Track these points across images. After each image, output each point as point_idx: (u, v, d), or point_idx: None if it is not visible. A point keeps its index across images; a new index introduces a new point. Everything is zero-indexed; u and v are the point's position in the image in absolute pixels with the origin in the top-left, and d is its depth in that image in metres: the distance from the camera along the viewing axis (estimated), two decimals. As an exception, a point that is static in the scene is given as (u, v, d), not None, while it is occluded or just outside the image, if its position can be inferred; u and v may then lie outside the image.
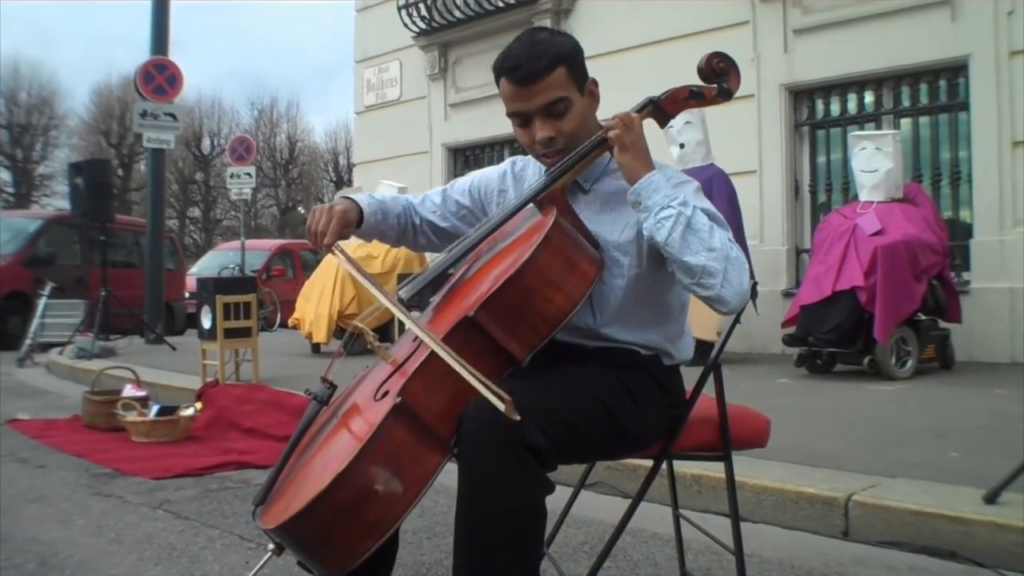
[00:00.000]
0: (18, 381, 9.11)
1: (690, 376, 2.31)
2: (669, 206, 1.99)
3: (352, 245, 9.47)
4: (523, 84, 2.10)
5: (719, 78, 2.21)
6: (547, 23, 11.21)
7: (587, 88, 2.18)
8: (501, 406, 1.71)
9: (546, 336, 1.97)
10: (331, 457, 1.85)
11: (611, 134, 2.08)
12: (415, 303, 2.16)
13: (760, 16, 9.34)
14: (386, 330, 7.14)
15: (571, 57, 2.13)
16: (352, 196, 2.33)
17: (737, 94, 2.28)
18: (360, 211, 2.29)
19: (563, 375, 2.06)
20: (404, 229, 2.45)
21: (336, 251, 2.15)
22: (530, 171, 2.37)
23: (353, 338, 2.38)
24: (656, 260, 2.11)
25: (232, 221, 39.39)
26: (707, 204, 2.11)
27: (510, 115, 2.18)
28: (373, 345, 2.03)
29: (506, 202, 2.33)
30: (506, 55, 2.13)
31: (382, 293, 2.00)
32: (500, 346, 1.93)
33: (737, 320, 2.36)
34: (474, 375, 1.77)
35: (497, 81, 2.17)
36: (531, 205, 2.15)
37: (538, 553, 1.92)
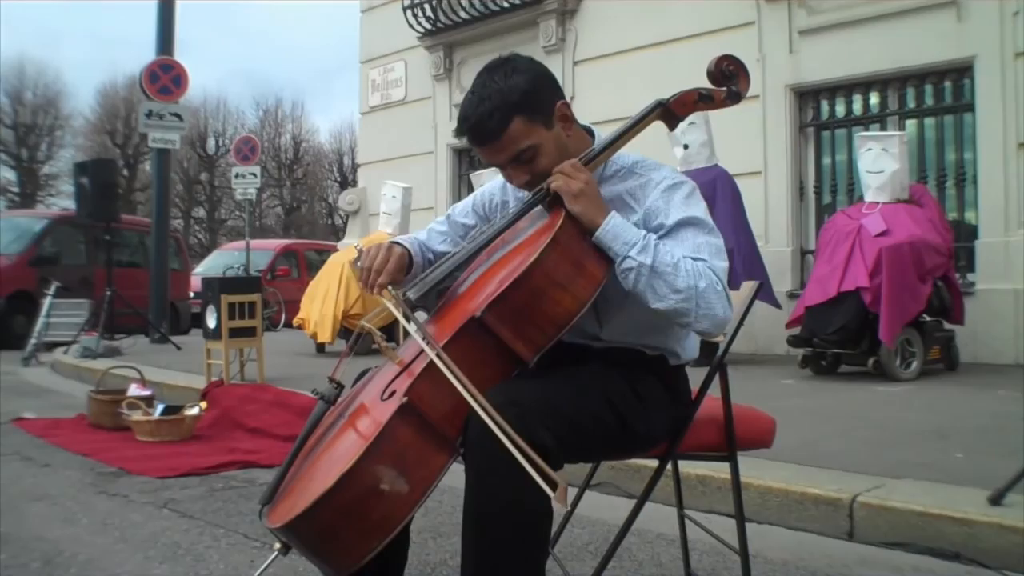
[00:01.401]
0: (23, 380, 9.13)
1: (696, 376, 2.31)
2: (628, 256, 1.96)
3: (358, 242, 9.49)
4: (483, 145, 2.09)
5: (728, 81, 2.21)
6: (552, 24, 11.22)
7: (556, 115, 2.12)
8: (551, 491, 1.70)
9: (553, 337, 1.97)
10: (337, 456, 1.85)
11: (553, 186, 2.05)
12: (421, 304, 2.16)
13: (765, 17, 9.33)
14: (391, 330, 7.14)
15: (526, 101, 2.05)
16: (402, 243, 2.30)
17: (742, 95, 2.28)
18: (411, 257, 2.29)
19: (569, 375, 2.06)
20: (425, 268, 2.41)
21: (389, 295, 2.09)
22: None
23: (359, 338, 2.39)
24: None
25: (237, 221, 39.42)
26: (693, 212, 2.08)
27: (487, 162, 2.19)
28: (380, 345, 2.03)
29: (513, 207, 2.33)
30: (462, 115, 2.10)
31: (441, 360, 1.88)
32: (507, 347, 1.93)
33: (742, 322, 2.36)
34: (523, 453, 1.73)
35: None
36: (539, 207, 2.14)
37: (544, 553, 1.92)
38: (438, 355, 1.86)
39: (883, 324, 6.44)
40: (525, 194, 2.26)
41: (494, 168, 2.22)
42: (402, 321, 1.98)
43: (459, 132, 2.12)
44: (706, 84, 2.23)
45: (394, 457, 1.79)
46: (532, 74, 2.10)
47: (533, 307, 1.93)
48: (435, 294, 2.19)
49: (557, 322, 1.96)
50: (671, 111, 2.20)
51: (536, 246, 1.94)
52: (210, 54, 60.18)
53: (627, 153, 2.25)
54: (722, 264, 2.03)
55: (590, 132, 2.24)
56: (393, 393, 1.89)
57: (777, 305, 7.69)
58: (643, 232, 2.01)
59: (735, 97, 2.22)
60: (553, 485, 1.70)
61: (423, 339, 1.90)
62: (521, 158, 2.08)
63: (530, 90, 2.07)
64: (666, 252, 1.98)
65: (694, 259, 1.99)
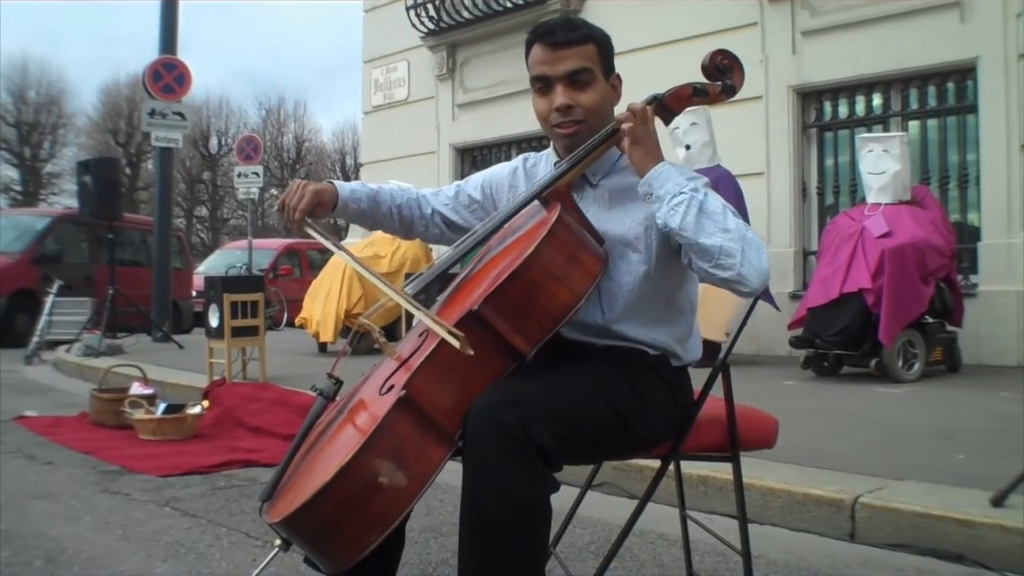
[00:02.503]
0: (25, 378, 9.14)
1: (698, 377, 2.30)
2: (681, 192, 1.99)
3: (360, 244, 9.51)
4: (554, 48, 2.15)
5: (723, 75, 2.20)
6: (555, 24, 11.20)
7: (612, 80, 2.22)
8: (456, 343, 1.79)
9: (551, 330, 1.97)
10: (336, 451, 1.86)
11: (624, 126, 2.08)
12: (421, 300, 2.16)
13: (768, 17, 9.33)
14: (392, 329, 7.15)
15: (603, 41, 2.19)
16: (335, 182, 2.36)
17: (745, 95, 2.28)
18: (336, 195, 2.32)
19: (571, 374, 2.06)
20: (409, 221, 2.47)
21: (308, 227, 2.22)
22: (541, 167, 2.38)
23: (359, 336, 2.39)
24: (665, 258, 2.11)
25: (239, 220, 39.48)
26: (719, 197, 2.10)
27: (533, 79, 2.21)
28: (379, 341, 2.03)
29: (516, 198, 2.34)
30: (542, 22, 2.21)
31: (366, 268, 2.08)
32: (505, 340, 1.93)
33: (745, 321, 2.36)
34: (429, 315, 1.86)
35: (528, 49, 2.21)
36: (536, 202, 2.16)
37: (544, 552, 1.91)
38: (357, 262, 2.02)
39: (883, 325, 6.44)
40: (537, 178, 2.29)
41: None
42: (382, 287, 2.03)
43: (534, 36, 2.20)
44: (701, 79, 2.23)
45: (392, 450, 1.79)
46: (607, 34, 2.24)
47: (530, 300, 1.93)
48: (436, 288, 2.20)
49: (554, 315, 1.96)
50: (666, 105, 2.21)
51: (532, 240, 1.95)
52: (212, 53, 60.33)
53: None
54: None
55: None
56: (391, 387, 1.89)
57: (776, 306, 7.69)
58: (694, 183, 2.05)
59: (730, 91, 2.21)
60: (457, 338, 1.80)
61: (365, 273, 2.02)
62: (578, 77, 2.15)
63: (607, 40, 2.22)
64: (714, 198, 2.02)
65: None
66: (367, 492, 1.77)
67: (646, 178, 2.04)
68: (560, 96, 2.15)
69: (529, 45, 2.21)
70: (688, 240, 1.98)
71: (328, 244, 2.20)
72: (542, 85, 2.19)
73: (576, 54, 2.14)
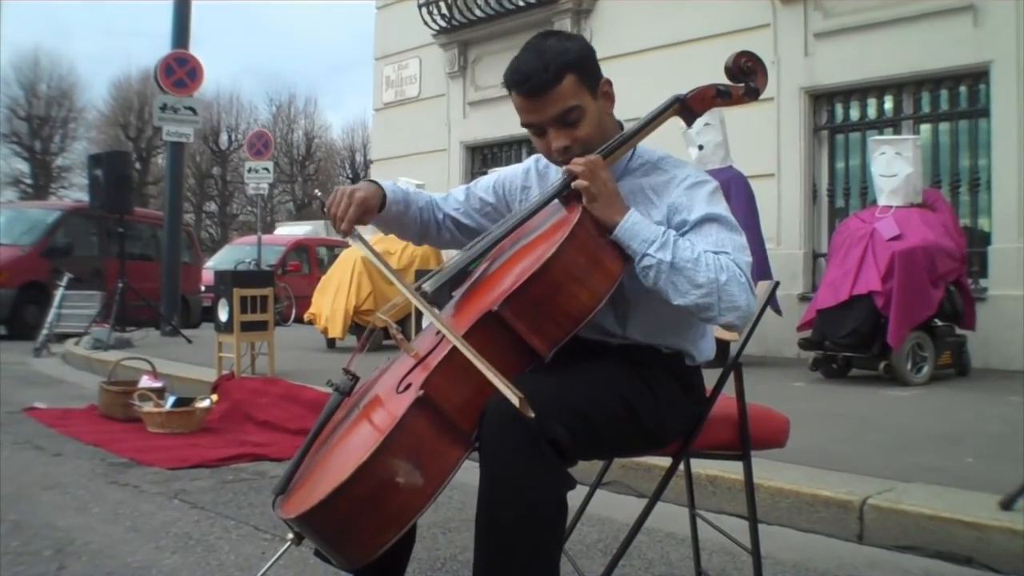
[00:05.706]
0: (35, 370, 9.18)
1: (709, 377, 2.31)
2: (647, 254, 1.96)
3: (370, 240, 9.49)
4: (533, 97, 2.09)
5: (746, 77, 2.20)
6: (567, 23, 11.21)
7: (600, 90, 2.16)
8: (515, 401, 1.73)
9: (570, 332, 1.96)
10: (353, 448, 1.85)
11: (578, 184, 2.03)
12: (434, 299, 2.16)
13: (781, 19, 9.32)
14: (404, 325, 7.14)
15: (580, 63, 2.10)
16: (378, 180, 2.31)
17: (757, 97, 2.27)
18: (383, 196, 2.27)
19: (585, 371, 2.06)
20: (427, 225, 2.44)
21: (354, 238, 2.16)
22: (554, 168, 2.37)
23: (372, 333, 2.39)
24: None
25: (248, 216, 39.55)
26: (716, 209, 2.09)
27: (524, 126, 2.18)
28: (396, 338, 2.03)
29: (529, 199, 2.33)
30: (514, 67, 2.12)
31: (401, 282, 2.04)
32: (523, 341, 1.92)
33: (757, 321, 2.35)
34: (491, 370, 1.79)
35: (509, 93, 2.16)
36: (556, 201, 2.14)
37: (558, 548, 1.91)
38: (414, 294, 1.98)
39: (892, 327, 6.43)
40: (549, 184, 2.27)
41: (510, 166, 2.22)
42: (415, 302, 2.00)
43: (509, 85, 2.13)
44: (724, 80, 2.22)
45: (410, 450, 1.79)
46: (584, 45, 2.17)
47: (550, 302, 1.92)
48: (447, 287, 2.19)
49: (574, 317, 1.95)
50: (688, 106, 2.20)
51: (554, 240, 1.94)
52: (224, 49, 60.58)
53: (653, 149, 2.26)
54: (746, 259, 2.03)
55: (620, 126, 2.24)
56: (409, 386, 1.89)
57: (778, 311, 7.59)
58: (662, 229, 2.01)
59: (753, 93, 2.21)
60: (519, 400, 1.74)
61: (403, 287, 1.98)
62: (567, 119, 2.09)
63: (584, 56, 2.13)
64: (686, 247, 1.98)
65: (716, 253, 1.99)
66: (384, 491, 1.78)
67: (613, 235, 2.00)
68: (555, 140, 2.12)
69: (508, 90, 2.15)
70: (665, 300, 1.99)
71: (371, 256, 2.17)
72: (534, 130, 2.15)
73: (557, 97, 2.07)
